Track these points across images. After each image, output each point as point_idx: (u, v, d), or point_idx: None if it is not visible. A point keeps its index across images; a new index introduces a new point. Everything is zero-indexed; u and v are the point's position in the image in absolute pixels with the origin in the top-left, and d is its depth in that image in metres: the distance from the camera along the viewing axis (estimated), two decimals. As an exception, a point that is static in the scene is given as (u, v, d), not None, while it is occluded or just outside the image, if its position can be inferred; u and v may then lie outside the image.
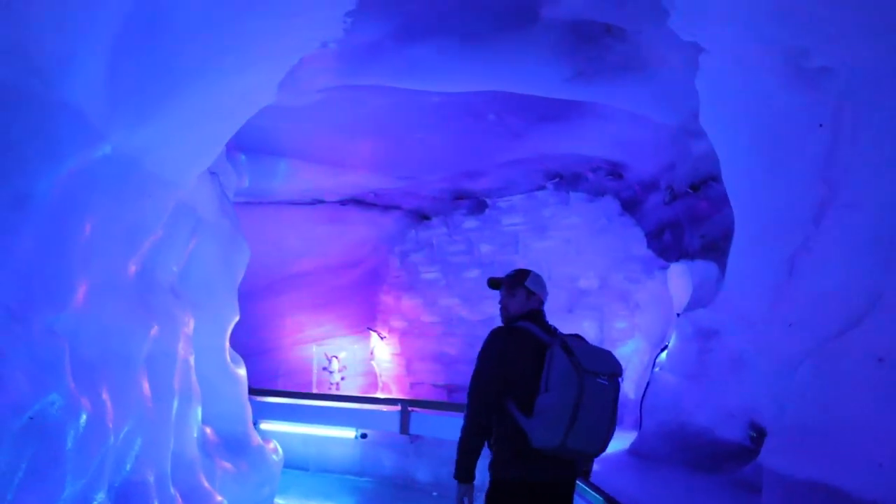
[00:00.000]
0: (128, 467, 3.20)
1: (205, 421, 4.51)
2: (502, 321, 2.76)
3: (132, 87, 2.64)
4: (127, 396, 3.15)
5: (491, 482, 2.52)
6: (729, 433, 4.10)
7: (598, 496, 3.36)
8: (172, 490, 3.50)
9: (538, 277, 2.77)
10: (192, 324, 4.12)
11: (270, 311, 8.16)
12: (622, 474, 4.15)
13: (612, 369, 2.48)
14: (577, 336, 2.59)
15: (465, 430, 2.49)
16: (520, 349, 2.49)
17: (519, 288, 2.71)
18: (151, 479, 3.32)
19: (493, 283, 2.87)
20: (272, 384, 7.95)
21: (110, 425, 2.84)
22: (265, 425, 7.04)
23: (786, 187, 3.45)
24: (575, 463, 2.55)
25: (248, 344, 7.95)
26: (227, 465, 4.42)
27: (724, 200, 4.27)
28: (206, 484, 3.91)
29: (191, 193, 4.12)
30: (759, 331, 3.74)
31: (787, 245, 3.49)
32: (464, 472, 2.48)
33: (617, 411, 2.51)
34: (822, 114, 3.08)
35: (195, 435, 4.04)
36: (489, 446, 2.57)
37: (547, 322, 2.68)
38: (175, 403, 3.71)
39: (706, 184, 4.72)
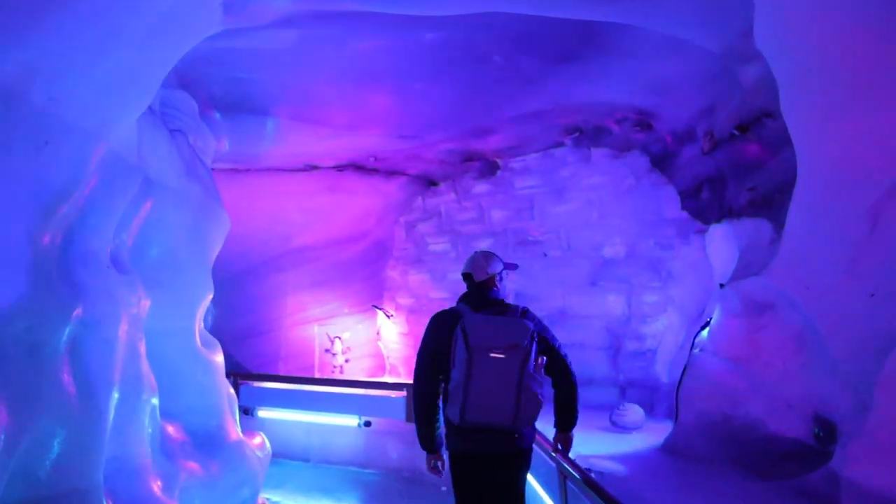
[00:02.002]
0: (41, 478, 2.63)
1: (170, 416, 3.99)
2: None
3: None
4: (35, 393, 2.59)
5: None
6: (786, 428, 3.42)
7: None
8: (107, 503, 2.91)
9: (470, 258, 2.92)
10: (144, 303, 3.53)
11: (270, 290, 7.70)
12: (654, 479, 3.48)
13: (509, 342, 2.50)
14: (494, 311, 2.67)
15: (412, 402, 2.85)
16: (441, 330, 2.65)
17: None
18: (79, 490, 2.75)
19: None
20: (272, 367, 7.54)
21: (-1, 433, 2.24)
22: (263, 413, 6.61)
23: (869, 115, 2.69)
24: (509, 436, 2.57)
25: (247, 325, 7.51)
26: (194, 466, 3.86)
27: (781, 141, 3.51)
28: (157, 492, 3.33)
29: (132, 149, 3.49)
30: (830, 303, 3.04)
31: (869, 191, 2.79)
32: (423, 441, 2.68)
33: (525, 382, 2.50)
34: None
35: (148, 433, 3.47)
36: None
37: (482, 296, 2.76)
38: (115, 397, 3.12)
39: (758, 122, 3.90)
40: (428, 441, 2.68)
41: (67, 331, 2.81)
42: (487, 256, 2.87)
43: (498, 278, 2.84)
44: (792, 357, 3.37)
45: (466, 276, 2.85)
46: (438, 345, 2.64)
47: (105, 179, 3.12)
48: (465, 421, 2.50)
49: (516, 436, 2.58)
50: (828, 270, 3.00)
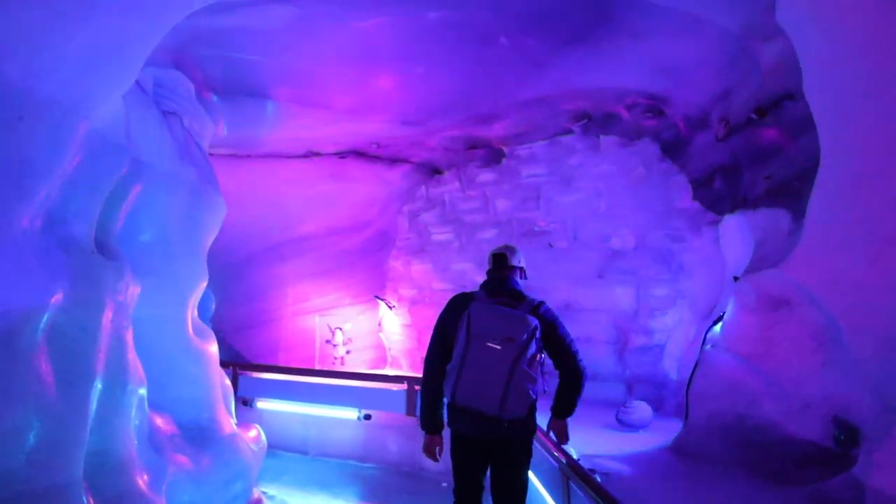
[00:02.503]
0: (15, 472, 2.50)
1: (160, 407, 3.88)
2: None
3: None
4: (7, 383, 2.45)
5: None
6: (803, 430, 3.23)
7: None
8: (88, 499, 2.78)
9: (501, 245, 2.97)
10: (132, 290, 3.39)
11: (270, 279, 7.58)
12: (662, 481, 3.30)
13: (506, 334, 2.54)
14: (507, 301, 2.67)
15: (420, 383, 2.83)
16: (453, 311, 2.72)
17: None
18: (57, 485, 2.62)
19: None
20: (272, 358, 7.43)
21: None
22: (262, 404, 6.52)
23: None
24: (497, 423, 2.57)
25: (247, 314, 7.39)
26: (184, 459, 3.73)
27: (802, 125, 3.30)
28: (143, 487, 3.19)
29: (118, 129, 3.34)
30: (853, 298, 2.84)
31: (899, 178, 2.55)
32: (423, 418, 2.78)
33: (516, 375, 2.53)
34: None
35: (134, 425, 3.33)
36: None
37: (501, 284, 2.75)
38: (97, 388, 2.98)
39: (778, 105, 3.69)
40: (428, 417, 2.76)
41: (45, 318, 2.65)
42: (516, 250, 2.93)
43: (522, 273, 2.90)
44: (810, 355, 3.18)
45: (496, 259, 2.87)
46: (448, 324, 2.70)
47: (88, 159, 2.96)
48: (455, 401, 2.59)
49: (505, 424, 2.57)
50: (851, 264, 2.80)
